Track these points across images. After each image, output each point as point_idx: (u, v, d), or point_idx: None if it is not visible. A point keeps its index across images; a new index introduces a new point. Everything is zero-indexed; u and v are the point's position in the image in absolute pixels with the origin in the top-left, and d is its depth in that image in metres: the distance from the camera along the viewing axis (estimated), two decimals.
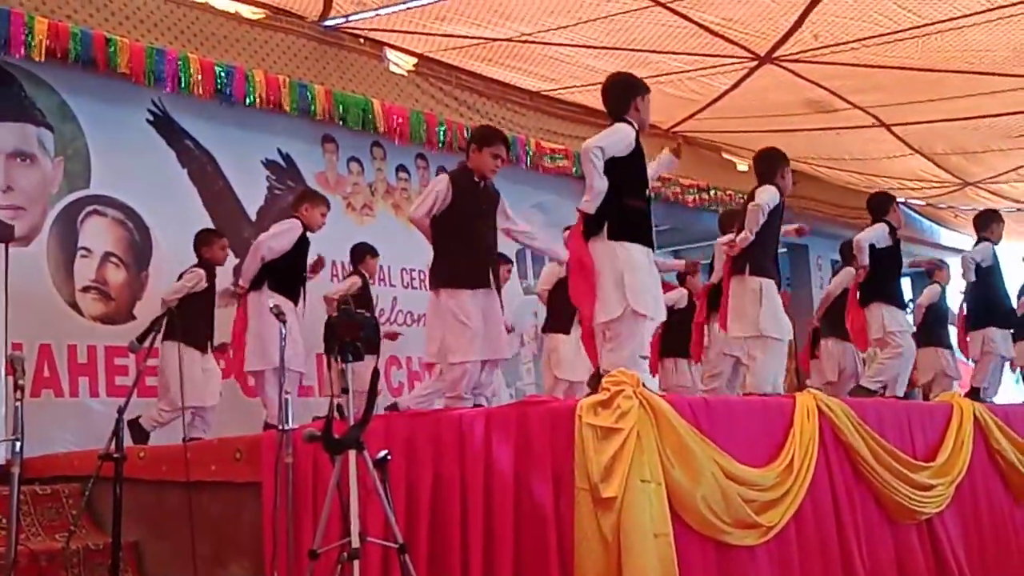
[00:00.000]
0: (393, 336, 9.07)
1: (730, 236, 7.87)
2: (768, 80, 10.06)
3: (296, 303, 7.21)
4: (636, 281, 5.19)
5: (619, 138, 5.32)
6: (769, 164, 6.80)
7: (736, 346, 7.73)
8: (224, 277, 7.72)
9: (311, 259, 7.63)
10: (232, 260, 8.01)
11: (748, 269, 6.53)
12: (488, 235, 6.05)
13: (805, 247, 14.86)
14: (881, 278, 7.86)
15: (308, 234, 7.42)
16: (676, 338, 8.41)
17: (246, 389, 7.98)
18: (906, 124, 11.57)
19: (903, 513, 5.78)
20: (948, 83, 10.00)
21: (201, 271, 7.43)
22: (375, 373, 4.37)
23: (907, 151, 12.53)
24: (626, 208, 5.31)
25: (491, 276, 5.97)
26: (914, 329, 8.26)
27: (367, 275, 8.68)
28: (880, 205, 8.16)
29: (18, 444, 4.52)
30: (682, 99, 10.73)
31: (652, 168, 5.77)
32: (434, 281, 6.05)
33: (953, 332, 9.81)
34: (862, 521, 5.46)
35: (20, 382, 4.54)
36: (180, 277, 7.45)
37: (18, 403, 4.49)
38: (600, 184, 5.21)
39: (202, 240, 7.64)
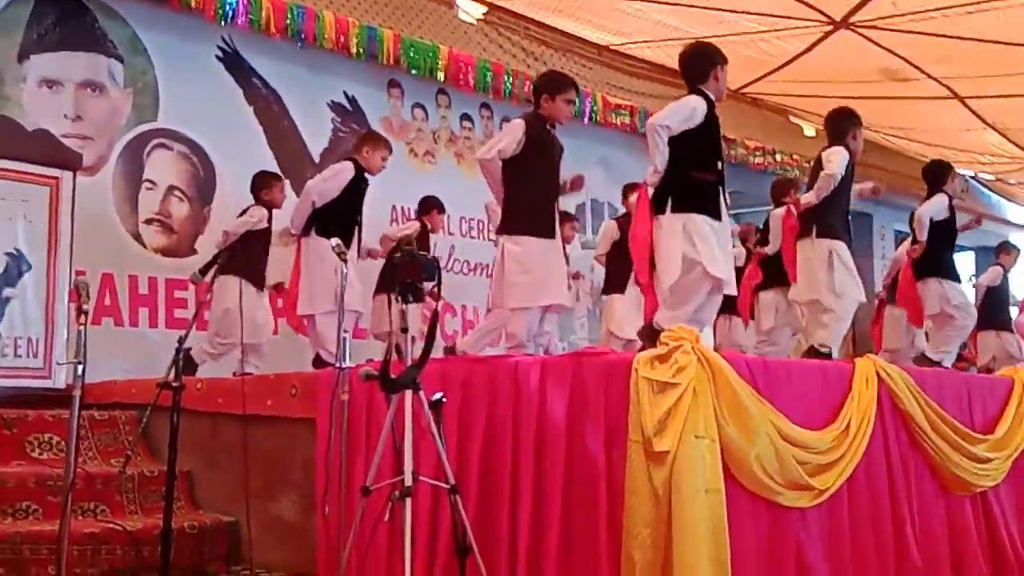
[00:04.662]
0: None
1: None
2: (842, 45, 9.88)
3: (349, 246, 7.10)
4: (706, 248, 5.16)
5: (688, 113, 5.27)
6: (841, 125, 6.71)
7: (795, 317, 7.69)
8: (285, 216, 7.69)
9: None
10: (294, 200, 8.03)
11: (815, 231, 6.46)
12: (555, 184, 6.02)
13: (869, 216, 14.67)
14: (937, 251, 7.70)
15: (368, 177, 7.37)
16: (730, 296, 8.30)
17: (300, 328, 8.01)
18: (981, 97, 11.32)
19: (958, 485, 5.70)
20: None
21: (264, 209, 7.46)
22: (435, 315, 4.37)
23: (980, 125, 12.28)
24: (693, 181, 5.28)
25: (556, 225, 5.93)
26: (974, 306, 8.10)
27: (430, 227, 8.68)
28: (936, 174, 7.97)
29: (80, 367, 4.58)
30: (753, 60, 10.56)
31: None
32: (500, 228, 6.03)
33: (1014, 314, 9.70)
34: (916, 490, 5.40)
35: (84, 307, 4.59)
36: (243, 212, 7.50)
37: (81, 327, 4.54)
38: (663, 161, 5.19)
39: (262, 183, 7.65)
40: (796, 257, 6.67)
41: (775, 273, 7.62)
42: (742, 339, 8.59)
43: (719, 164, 5.38)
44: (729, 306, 8.29)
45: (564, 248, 6.19)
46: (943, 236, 7.73)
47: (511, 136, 5.89)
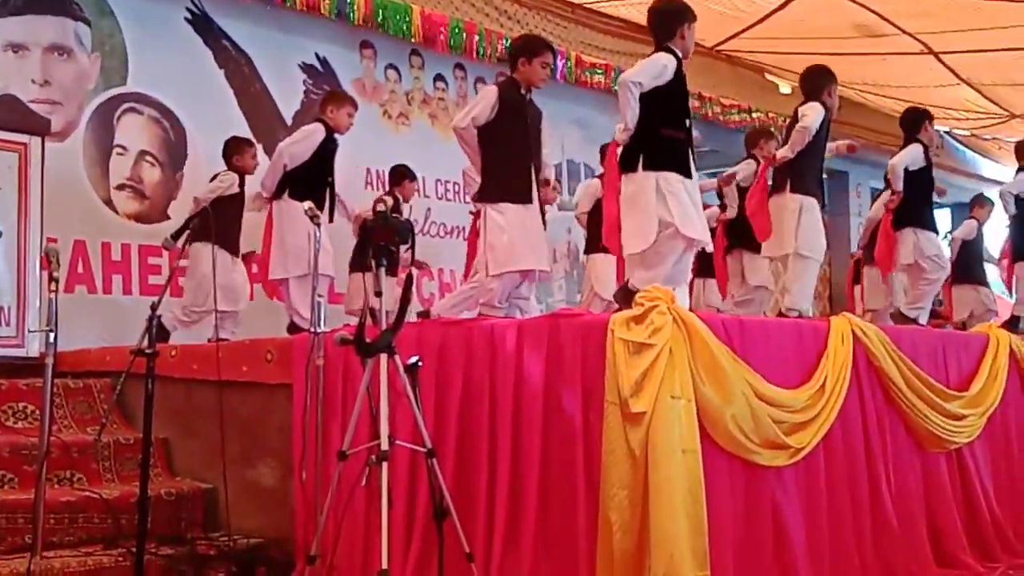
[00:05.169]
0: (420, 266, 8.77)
1: (742, 166, 7.81)
2: (816, 1, 9.83)
3: (322, 208, 7.02)
4: (678, 206, 5.13)
5: (659, 69, 5.23)
6: (816, 81, 6.70)
7: (762, 276, 7.71)
8: (256, 182, 7.59)
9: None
10: (266, 164, 7.95)
11: (789, 186, 6.47)
12: (533, 149, 5.99)
13: (844, 173, 14.66)
14: (913, 201, 7.66)
15: (337, 137, 7.23)
16: (706, 258, 8.32)
17: (275, 293, 7.97)
18: (955, 52, 11.30)
19: (933, 441, 5.75)
20: (1001, 12, 9.73)
21: (235, 174, 7.40)
22: (409, 278, 4.35)
23: (954, 80, 12.27)
24: (663, 138, 5.24)
25: (534, 191, 5.93)
26: (948, 260, 8.10)
27: (401, 198, 8.58)
28: (914, 122, 7.87)
29: (52, 335, 4.54)
30: (727, 16, 10.51)
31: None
32: (480, 197, 6.03)
33: (992, 267, 9.71)
34: (891, 447, 5.44)
35: (55, 274, 4.55)
36: (213, 178, 7.43)
37: (52, 295, 4.51)
38: (633, 117, 5.16)
39: (233, 148, 7.58)
40: (766, 214, 6.67)
41: (738, 235, 7.67)
42: (716, 302, 8.60)
43: (687, 122, 5.38)
44: (705, 268, 8.31)
45: (543, 213, 6.16)
46: (919, 186, 7.67)
47: (484, 102, 5.87)
